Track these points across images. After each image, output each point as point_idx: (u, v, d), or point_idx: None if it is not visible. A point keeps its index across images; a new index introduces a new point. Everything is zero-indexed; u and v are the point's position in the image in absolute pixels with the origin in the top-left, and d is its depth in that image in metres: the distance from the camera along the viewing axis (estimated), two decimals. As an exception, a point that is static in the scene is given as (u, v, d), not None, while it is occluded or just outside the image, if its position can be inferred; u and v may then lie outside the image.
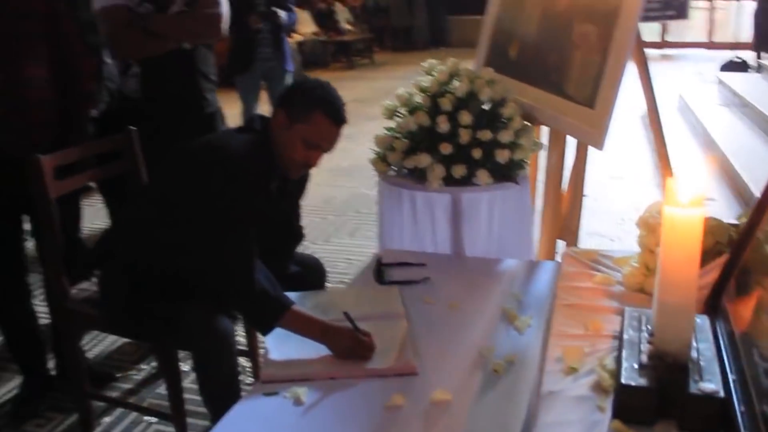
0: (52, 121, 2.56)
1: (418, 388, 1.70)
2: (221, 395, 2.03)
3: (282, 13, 5.16)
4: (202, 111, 3.05)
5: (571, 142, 2.75)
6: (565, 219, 2.85)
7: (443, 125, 2.48)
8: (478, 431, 1.54)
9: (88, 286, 2.49)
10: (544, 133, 2.90)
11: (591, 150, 2.50)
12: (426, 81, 2.62)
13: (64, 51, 2.57)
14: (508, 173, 2.57)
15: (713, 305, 1.17)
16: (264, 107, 5.42)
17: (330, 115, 2.01)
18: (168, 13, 2.87)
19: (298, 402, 1.66)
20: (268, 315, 1.90)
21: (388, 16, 15.45)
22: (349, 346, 1.83)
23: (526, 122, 2.62)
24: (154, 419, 2.64)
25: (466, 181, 2.53)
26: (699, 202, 1.05)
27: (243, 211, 1.94)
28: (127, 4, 2.82)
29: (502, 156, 2.50)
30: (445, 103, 2.50)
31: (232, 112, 2.92)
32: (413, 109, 2.58)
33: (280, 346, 1.89)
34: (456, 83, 2.56)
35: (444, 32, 15.40)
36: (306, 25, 13.20)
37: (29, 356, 2.84)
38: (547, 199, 2.86)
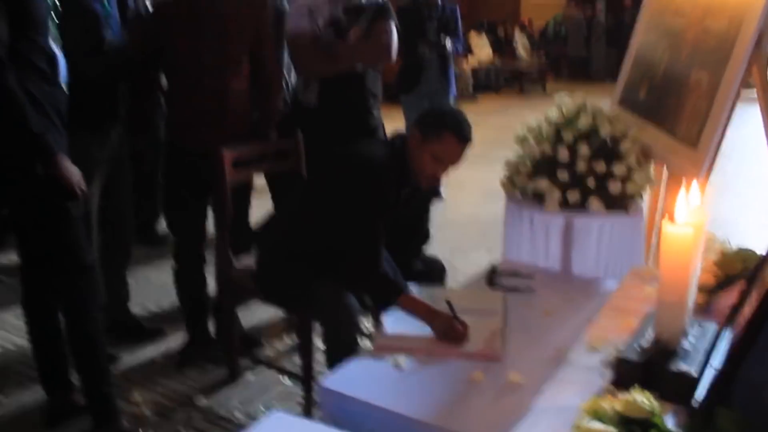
0: (242, 126, 3.09)
1: (497, 371, 2.02)
2: (341, 362, 2.45)
3: (448, 43, 5.57)
4: (368, 124, 3.49)
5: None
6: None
7: (563, 154, 2.78)
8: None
9: (249, 261, 3.01)
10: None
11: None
12: (554, 113, 2.93)
13: (262, 70, 3.10)
14: (620, 203, 2.82)
15: (730, 319, 1.43)
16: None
17: (457, 135, 2.39)
18: (347, 39, 3.33)
19: (398, 367, 2.03)
20: (386, 294, 2.31)
21: (566, 46, 15.53)
22: (445, 329, 2.19)
23: (643, 158, 2.87)
24: (288, 381, 3.11)
25: (580, 207, 2.82)
26: (699, 224, 1.33)
27: (376, 209, 2.36)
28: (313, 29, 3.31)
29: (614, 187, 2.77)
30: (567, 135, 2.80)
31: (396, 125, 3.32)
32: (539, 138, 2.90)
33: (395, 325, 2.29)
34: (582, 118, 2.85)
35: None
36: (482, 50, 13.59)
37: (195, 316, 3.38)
38: (660, 233, 3.06)
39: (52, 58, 2.46)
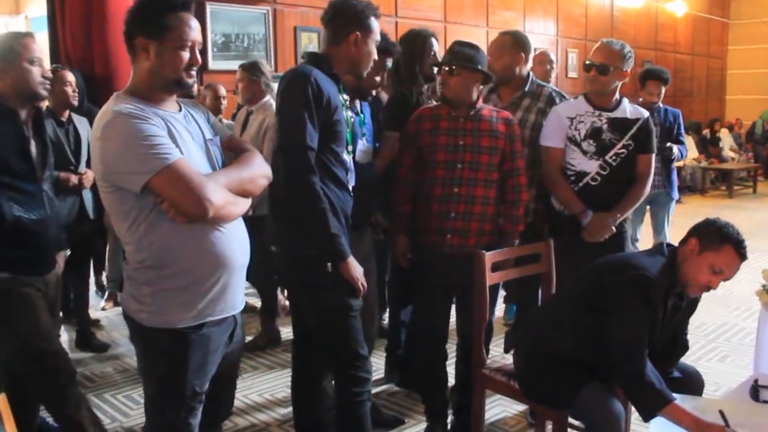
0: (486, 230, 3.26)
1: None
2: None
3: (675, 149, 5.55)
4: (619, 235, 3.56)
5: None
6: None
7: (832, 269, 2.74)
8: None
9: (498, 359, 3.15)
10: None
11: None
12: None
13: (512, 181, 3.28)
14: None
15: None
16: (646, 229, 5.84)
17: (738, 250, 2.47)
18: (611, 151, 3.45)
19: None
20: (652, 403, 2.37)
21: (776, 146, 14.83)
22: None
23: None
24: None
25: None
26: None
27: (644, 318, 2.44)
28: (562, 148, 3.51)
29: None
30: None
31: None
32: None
33: (663, 429, 2.33)
34: None
35: None
36: (688, 151, 13.23)
37: (437, 405, 3.53)
38: None
39: (347, 168, 2.78)
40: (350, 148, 2.85)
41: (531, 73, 3.85)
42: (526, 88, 3.79)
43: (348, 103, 2.92)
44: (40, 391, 2.93)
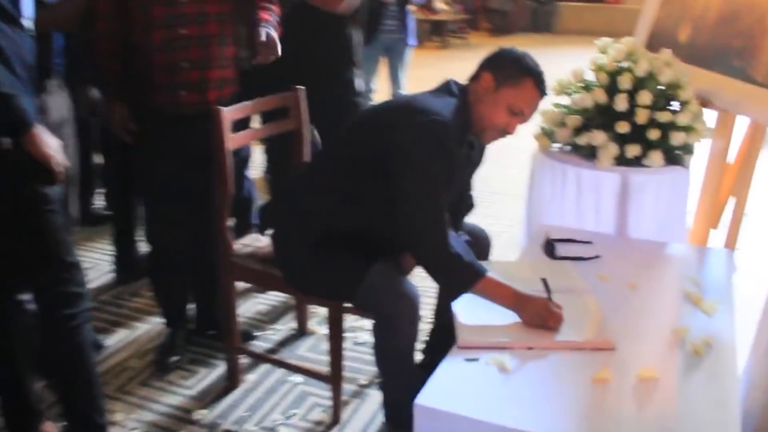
0: (228, 78, 2.57)
1: (619, 364, 1.68)
2: (399, 357, 2.05)
3: (411, -11, 5.11)
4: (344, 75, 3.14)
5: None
6: (723, 208, 2.78)
7: (621, 104, 2.43)
8: (693, 412, 1.52)
9: (250, 242, 2.55)
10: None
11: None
12: (602, 59, 2.56)
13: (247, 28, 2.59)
14: (678, 157, 2.51)
15: None
16: (382, 78, 5.43)
17: (538, 84, 2.00)
18: None
19: (503, 369, 1.65)
20: (462, 279, 1.90)
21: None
22: (541, 314, 1.82)
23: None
24: (299, 379, 2.65)
25: (636, 162, 2.48)
26: None
27: (441, 174, 1.94)
28: None
29: (677, 138, 2.45)
30: (625, 82, 2.44)
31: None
32: (588, 87, 2.53)
33: (469, 311, 1.89)
34: (633, 63, 2.50)
35: (549, 17, 15.19)
36: (403, 3, 13.17)
37: (175, 305, 2.88)
38: (705, 186, 2.79)
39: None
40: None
41: None
42: None
43: None
44: None
